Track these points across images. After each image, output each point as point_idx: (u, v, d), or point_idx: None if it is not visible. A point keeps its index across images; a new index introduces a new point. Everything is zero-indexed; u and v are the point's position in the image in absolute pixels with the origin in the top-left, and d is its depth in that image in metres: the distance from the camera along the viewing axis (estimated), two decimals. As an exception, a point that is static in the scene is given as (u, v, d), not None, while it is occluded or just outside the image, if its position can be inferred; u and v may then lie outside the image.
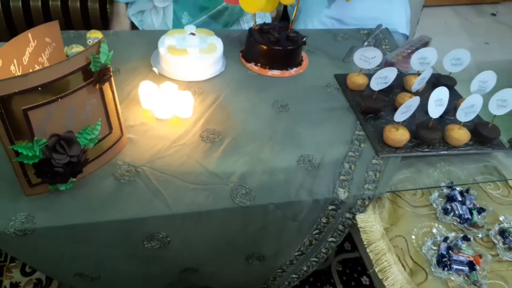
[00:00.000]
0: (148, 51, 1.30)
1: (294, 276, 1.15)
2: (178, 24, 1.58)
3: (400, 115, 1.01)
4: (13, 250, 0.85)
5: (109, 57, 0.82)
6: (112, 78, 0.87)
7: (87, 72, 0.79)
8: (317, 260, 1.09)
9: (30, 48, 0.82)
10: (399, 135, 1.04)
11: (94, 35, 1.21)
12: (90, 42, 1.20)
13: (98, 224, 0.83)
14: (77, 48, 1.16)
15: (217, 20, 1.61)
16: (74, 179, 0.85)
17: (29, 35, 0.82)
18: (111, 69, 0.84)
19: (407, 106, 1.00)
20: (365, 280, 1.42)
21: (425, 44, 1.47)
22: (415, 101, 1.00)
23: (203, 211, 0.87)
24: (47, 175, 0.79)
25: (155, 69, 1.23)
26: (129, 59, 1.27)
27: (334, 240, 1.04)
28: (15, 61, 0.79)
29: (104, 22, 1.72)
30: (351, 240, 1.54)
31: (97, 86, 0.82)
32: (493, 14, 3.31)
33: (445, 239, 0.90)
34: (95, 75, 0.80)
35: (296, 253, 1.06)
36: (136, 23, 1.62)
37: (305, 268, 1.12)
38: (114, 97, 0.89)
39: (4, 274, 1.34)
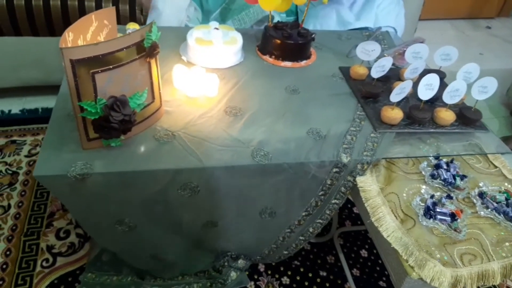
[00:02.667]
0: (177, 43, 1.49)
1: (301, 238, 1.31)
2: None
3: (395, 96, 1.19)
4: (67, 197, 1.02)
5: (158, 36, 1.01)
6: (158, 56, 1.05)
7: (141, 47, 0.98)
8: (321, 222, 1.26)
9: (92, 28, 1.01)
10: (394, 114, 1.21)
11: (133, 26, 1.40)
12: (129, 32, 1.39)
13: (144, 172, 1.00)
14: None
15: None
16: (123, 138, 1.03)
17: (93, 16, 1.00)
18: (159, 46, 1.02)
19: (401, 88, 1.18)
20: (363, 252, 1.58)
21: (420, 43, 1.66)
22: (408, 84, 1.18)
23: (229, 166, 1.05)
24: (104, 129, 0.97)
25: (184, 58, 1.42)
26: (161, 49, 1.46)
27: (337, 202, 1.20)
28: (81, 36, 0.98)
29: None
30: (352, 217, 1.70)
31: (147, 59, 1.00)
32: (488, 27, 3.52)
33: (432, 196, 1.07)
34: (147, 50, 0.98)
35: (303, 213, 1.22)
36: None
37: (311, 230, 1.28)
38: (157, 71, 1.07)
39: (41, 238, 1.51)
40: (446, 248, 0.97)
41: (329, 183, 1.15)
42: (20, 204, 1.61)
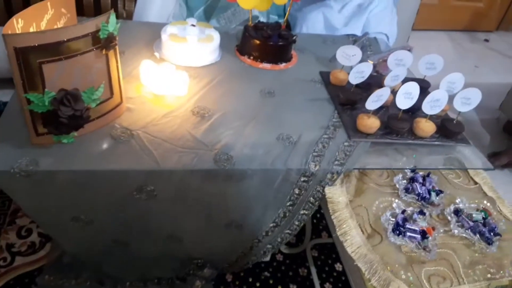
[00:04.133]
0: (152, 39, 1.43)
1: (269, 246, 1.24)
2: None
3: (371, 103, 1.12)
4: (16, 192, 0.96)
5: (116, 27, 0.95)
6: (117, 49, 0.99)
7: (96, 38, 0.92)
8: (290, 232, 1.19)
9: (48, 16, 0.95)
10: (370, 123, 1.15)
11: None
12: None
13: (96, 172, 0.94)
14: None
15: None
16: (75, 134, 0.97)
17: (48, 4, 0.94)
18: (117, 39, 0.96)
19: (378, 95, 1.12)
20: (338, 266, 1.51)
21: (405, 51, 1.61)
22: (385, 91, 1.12)
23: (188, 170, 0.98)
24: (52, 124, 0.91)
25: (156, 54, 1.35)
26: (134, 44, 1.40)
27: (306, 212, 1.14)
28: (34, 24, 0.92)
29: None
30: (327, 230, 1.63)
31: (104, 51, 0.94)
32: (486, 40, 3.47)
33: (403, 211, 1.00)
34: (103, 41, 0.92)
35: (271, 224, 1.16)
36: None
37: (279, 239, 1.22)
38: (117, 66, 1.01)
39: (1, 236, 1.44)
40: (413, 268, 0.90)
41: (297, 192, 1.08)
42: (-18, 201, 1.54)
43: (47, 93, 0.88)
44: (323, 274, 1.48)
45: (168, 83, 1.18)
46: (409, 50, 1.60)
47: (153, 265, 1.31)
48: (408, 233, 0.95)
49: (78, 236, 1.12)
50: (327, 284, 1.45)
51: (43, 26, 0.95)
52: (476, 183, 1.16)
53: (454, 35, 3.46)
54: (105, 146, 0.99)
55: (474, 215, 1.02)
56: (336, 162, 1.06)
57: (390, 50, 1.59)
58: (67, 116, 0.90)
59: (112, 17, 0.93)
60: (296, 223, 1.17)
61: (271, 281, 1.43)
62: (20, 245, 1.42)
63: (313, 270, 1.45)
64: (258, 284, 1.41)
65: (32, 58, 0.83)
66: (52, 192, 0.96)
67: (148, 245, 1.21)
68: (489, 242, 0.97)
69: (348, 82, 1.32)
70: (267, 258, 1.49)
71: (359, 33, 1.82)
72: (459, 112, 1.19)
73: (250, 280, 1.42)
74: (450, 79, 1.25)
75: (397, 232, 0.96)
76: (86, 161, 0.94)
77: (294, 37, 1.45)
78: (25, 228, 1.46)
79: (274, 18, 1.97)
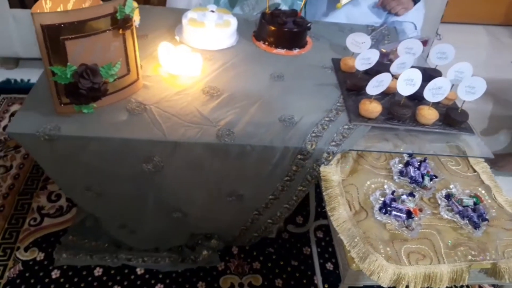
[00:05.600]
0: (175, 24, 1.52)
1: (269, 221, 1.32)
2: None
3: (372, 88, 1.16)
4: (39, 155, 1.09)
5: (133, 10, 1.04)
6: (134, 30, 1.09)
7: (114, 19, 1.02)
8: (288, 206, 1.26)
9: (74, -2, 1.06)
10: (372, 107, 1.19)
11: (131, 4, 1.45)
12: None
13: (109, 139, 1.05)
14: None
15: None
16: (95, 105, 1.08)
17: (75, -13, 1.05)
18: (134, 21, 1.06)
19: (379, 81, 1.15)
20: (342, 248, 1.56)
21: (424, 42, 1.61)
22: (386, 77, 1.15)
23: (191, 142, 1.07)
24: (74, 95, 1.02)
25: (176, 37, 1.45)
26: (158, 28, 1.51)
27: (303, 189, 1.20)
28: (61, 5, 1.03)
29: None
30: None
31: (120, 31, 1.04)
32: (527, 35, 3.33)
33: (393, 192, 1.05)
34: (120, 22, 1.02)
35: (270, 197, 1.23)
36: None
37: (278, 214, 1.29)
38: (134, 45, 1.11)
39: (33, 198, 1.60)
40: (394, 244, 0.94)
41: (294, 169, 1.15)
42: (21, 166, 1.71)
43: (69, 66, 0.99)
44: (326, 254, 1.53)
45: (183, 64, 1.27)
46: (426, 41, 1.62)
47: (162, 238, 1.42)
48: (394, 212, 1.00)
49: (93, 204, 1.25)
50: (329, 263, 1.51)
51: (69, 7, 1.06)
52: (475, 171, 1.18)
53: (492, 29, 3.34)
54: (120, 117, 1.10)
55: (464, 200, 1.05)
56: (333, 143, 1.12)
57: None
58: (86, 88, 1.01)
59: (129, 1, 1.02)
60: (294, 198, 1.24)
61: (274, 256, 1.50)
62: (49, 208, 1.57)
63: (314, 249, 1.51)
64: (261, 258, 1.49)
65: (56, 34, 0.95)
66: (69, 158, 1.07)
67: (157, 220, 1.32)
68: (475, 226, 1.00)
69: (357, 69, 1.36)
70: (273, 235, 1.56)
71: (381, 21, 1.83)
72: (464, 101, 1.21)
73: (255, 254, 1.50)
74: (457, 68, 1.26)
75: (384, 210, 1.00)
76: (101, 130, 1.06)
77: (309, 24, 1.50)
78: (55, 193, 1.62)
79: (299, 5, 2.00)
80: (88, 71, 1.01)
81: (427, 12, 2.05)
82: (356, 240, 0.95)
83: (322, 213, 1.65)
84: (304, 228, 1.59)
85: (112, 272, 1.41)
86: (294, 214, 1.64)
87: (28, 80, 2.18)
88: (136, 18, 1.44)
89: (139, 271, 1.43)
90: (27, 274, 1.37)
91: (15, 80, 2.18)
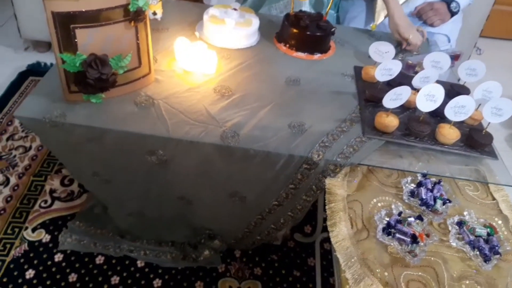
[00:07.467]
0: (198, 19, 1.51)
1: (272, 226, 1.28)
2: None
3: (389, 101, 1.10)
4: (47, 139, 1.10)
5: (146, 3, 1.03)
6: (148, 23, 1.08)
7: (127, 10, 1.01)
8: (292, 215, 1.22)
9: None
10: (388, 121, 1.13)
11: (155, -4, 1.44)
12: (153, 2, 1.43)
13: (112, 131, 1.04)
14: None
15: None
16: (103, 95, 1.08)
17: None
18: (147, 13, 1.05)
19: (397, 94, 1.09)
20: (348, 263, 1.50)
21: (457, 56, 1.52)
22: (405, 90, 1.09)
23: (194, 142, 1.05)
24: (81, 84, 1.02)
25: (196, 33, 1.44)
26: (180, 23, 1.50)
27: (308, 199, 1.16)
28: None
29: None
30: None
31: (132, 24, 1.03)
32: None
33: (399, 213, 0.99)
34: (131, 14, 1.01)
35: (274, 203, 1.19)
36: None
37: (282, 221, 1.25)
38: (147, 38, 1.10)
39: (47, 181, 1.63)
40: (393, 269, 0.89)
41: (299, 177, 1.11)
42: (40, 148, 1.75)
43: (79, 55, 0.99)
44: (330, 268, 1.48)
45: (197, 60, 1.25)
46: (458, 56, 1.53)
47: (167, 229, 1.41)
48: (398, 235, 0.94)
49: (101, 189, 1.25)
50: (332, 278, 1.45)
51: (85, -4, 1.06)
52: (494, 199, 1.09)
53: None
54: (127, 110, 1.09)
55: (477, 230, 0.97)
56: (341, 155, 1.06)
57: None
58: (94, 78, 1.01)
59: (144, -7, 1.01)
60: (299, 207, 1.19)
61: (276, 264, 1.46)
62: (61, 191, 1.60)
63: (318, 262, 1.46)
64: (263, 264, 1.46)
65: (67, 22, 0.95)
66: (75, 145, 1.08)
67: (162, 209, 1.31)
68: (486, 259, 0.92)
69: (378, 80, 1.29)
70: (278, 242, 1.53)
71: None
72: (489, 123, 1.13)
73: (257, 259, 1.47)
74: (486, 87, 1.18)
75: (387, 231, 0.94)
76: (106, 121, 1.05)
77: (333, 29, 1.44)
78: (68, 178, 1.65)
79: (330, 12, 1.95)
80: (97, 61, 1.01)
81: (465, 25, 1.95)
82: (353, 260, 0.89)
83: (331, 225, 1.59)
84: (311, 238, 1.54)
85: (113, 261, 1.42)
86: (303, 223, 1.60)
87: (51, 64, 2.23)
88: (158, 11, 1.43)
89: (140, 263, 1.42)
90: (31, 255, 1.40)
91: (45, 64, 2.24)
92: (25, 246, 1.42)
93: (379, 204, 1.02)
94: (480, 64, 1.26)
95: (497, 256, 0.93)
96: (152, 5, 1.34)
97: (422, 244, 0.94)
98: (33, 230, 1.47)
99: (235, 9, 1.44)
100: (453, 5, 1.67)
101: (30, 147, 1.75)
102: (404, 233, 0.94)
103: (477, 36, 2.21)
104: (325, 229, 1.53)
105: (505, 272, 0.92)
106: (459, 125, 1.15)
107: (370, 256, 0.90)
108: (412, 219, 0.97)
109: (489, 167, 1.15)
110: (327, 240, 1.56)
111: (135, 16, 1.01)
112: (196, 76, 1.25)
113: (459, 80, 1.31)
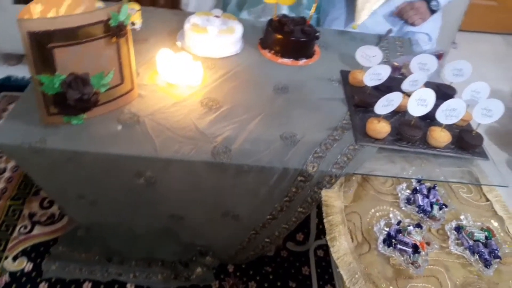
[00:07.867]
0: (178, 28, 1.45)
1: (267, 240, 1.25)
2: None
3: (381, 108, 1.09)
4: (27, 166, 1.03)
5: (128, 17, 0.98)
6: (130, 37, 1.03)
7: (107, 26, 0.95)
8: (287, 227, 1.19)
9: (67, 1, 1.00)
10: (380, 127, 1.11)
11: (132, 6, 1.38)
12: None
13: (96, 155, 0.99)
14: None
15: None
16: (85, 115, 1.02)
17: (68, -10, 0.99)
18: (128, 28, 0.99)
19: (389, 100, 1.08)
20: (343, 269, 1.49)
21: (440, 55, 1.53)
22: (397, 96, 1.08)
23: (185, 160, 1.00)
24: (61, 105, 0.96)
25: (178, 43, 1.39)
26: (160, 32, 1.44)
27: (303, 211, 1.13)
28: (54, 9, 0.97)
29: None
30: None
31: (114, 39, 0.98)
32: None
33: (399, 223, 0.97)
34: (113, 29, 0.96)
35: (268, 217, 1.16)
36: None
37: (276, 233, 1.22)
38: (129, 53, 1.05)
39: (25, 204, 1.55)
40: (398, 282, 0.87)
41: (294, 190, 1.08)
42: (15, 169, 1.67)
43: (58, 76, 0.93)
44: (326, 276, 1.46)
45: (182, 72, 1.20)
46: (441, 55, 1.53)
47: (157, 246, 1.36)
48: (399, 246, 0.92)
49: (85, 212, 1.19)
50: (328, 286, 1.44)
51: (62, 11, 1.00)
52: (488, 200, 1.10)
53: (510, 39, 3.23)
54: (110, 130, 1.04)
55: (476, 234, 0.97)
56: (336, 165, 1.04)
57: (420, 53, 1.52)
58: (74, 99, 0.95)
59: (125, 7, 0.96)
60: (293, 219, 1.17)
61: (271, 276, 1.44)
62: (41, 215, 1.52)
63: (313, 270, 1.44)
64: (258, 278, 1.43)
65: (44, 42, 0.89)
66: (58, 169, 1.02)
67: (151, 226, 1.26)
68: (487, 264, 0.92)
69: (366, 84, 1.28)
70: (271, 253, 1.50)
71: (396, 30, 1.75)
72: (478, 124, 1.13)
73: (251, 273, 1.44)
74: (474, 88, 1.18)
75: (388, 243, 0.93)
76: (89, 143, 1.00)
77: (317, 34, 1.42)
78: (47, 200, 1.57)
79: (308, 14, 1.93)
80: (77, 80, 0.95)
81: (444, 20, 1.96)
82: (357, 276, 0.87)
83: (323, 231, 1.57)
84: (304, 246, 1.52)
85: (102, 287, 1.36)
86: (295, 230, 1.56)
87: (30, 78, 2.13)
88: (137, 22, 1.38)
89: (130, 287, 1.37)
90: (13, 286, 1.32)
91: (17, 78, 2.14)
92: (6, 278, 1.34)
93: (377, 214, 1.00)
94: (466, 64, 1.26)
95: (497, 260, 0.93)
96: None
97: (423, 253, 0.92)
98: (14, 258, 1.39)
99: (217, 16, 1.40)
100: (433, 3, 1.67)
101: (5, 169, 1.66)
102: (405, 244, 0.93)
103: (455, 31, 2.24)
104: (318, 236, 1.52)
105: (507, 276, 0.92)
106: (449, 126, 1.15)
107: (373, 270, 0.89)
108: (411, 227, 0.96)
109: (481, 168, 1.15)
110: (320, 247, 1.54)
111: (116, 31, 0.96)
112: (181, 89, 1.20)
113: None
